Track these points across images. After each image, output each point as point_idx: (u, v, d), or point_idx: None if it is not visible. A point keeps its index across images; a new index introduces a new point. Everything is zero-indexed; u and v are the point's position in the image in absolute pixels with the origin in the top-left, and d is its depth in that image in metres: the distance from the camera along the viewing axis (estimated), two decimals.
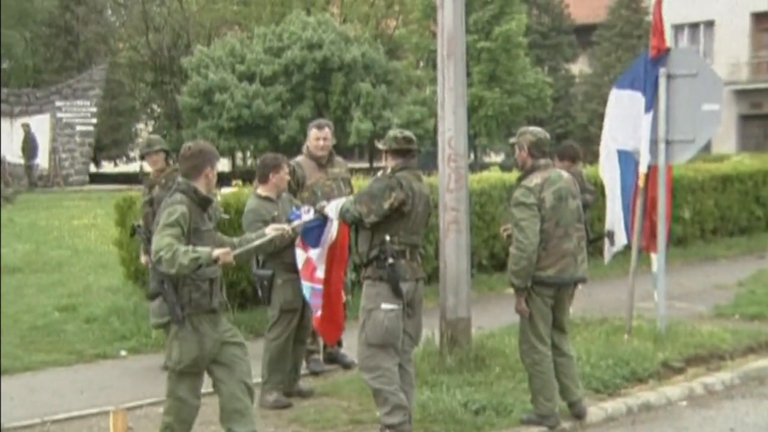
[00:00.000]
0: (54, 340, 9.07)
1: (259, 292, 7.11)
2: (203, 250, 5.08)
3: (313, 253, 6.64)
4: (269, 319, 7.18)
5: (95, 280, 12.00)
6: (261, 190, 7.11)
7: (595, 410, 6.93)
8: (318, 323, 6.80)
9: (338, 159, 8.14)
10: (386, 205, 5.88)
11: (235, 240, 5.88)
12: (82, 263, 13.52)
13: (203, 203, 5.38)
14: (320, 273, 6.66)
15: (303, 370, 7.59)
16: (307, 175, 7.82)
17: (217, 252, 5.09)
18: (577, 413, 6.67)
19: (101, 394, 7.43)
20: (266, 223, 6.49)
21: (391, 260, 5.91)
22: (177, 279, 5.23)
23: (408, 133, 6.34)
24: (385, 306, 5.95)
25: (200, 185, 5.38)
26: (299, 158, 8.05)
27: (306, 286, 6.72)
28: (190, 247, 5.07)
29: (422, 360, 7.47)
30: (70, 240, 16.23)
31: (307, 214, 6.45)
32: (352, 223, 6.08)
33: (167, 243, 5.05)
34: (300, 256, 6.73)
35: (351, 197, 6.10)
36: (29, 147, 29.51)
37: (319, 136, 7.87)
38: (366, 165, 35.39)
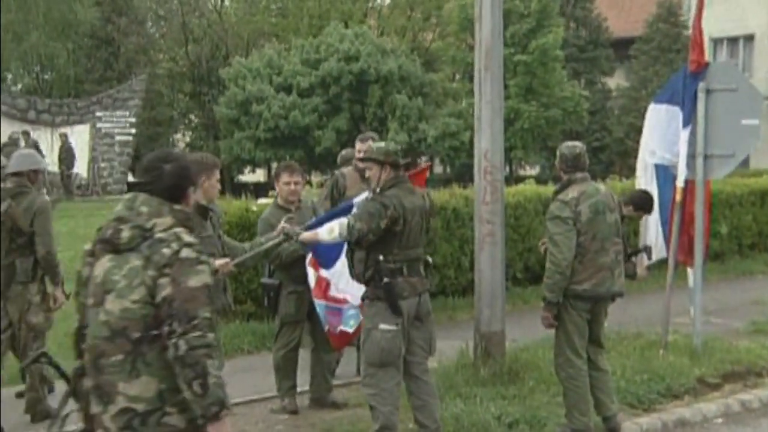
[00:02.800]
0: None
1: (266, 302, 7.21)
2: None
3: (325, 272, 6.68)
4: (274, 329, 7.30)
5: None
6: (278, 199, 7.28)
7: (630, 425, 6.89)
8: (331, 335, 6.84)
9: None
10: (383, 225, 5.77)
11: (247, 245, 6.27)
12: None
13: (201, 211, 5.75)
14: (335, 292, 6.68)
15: (335, 380, 7.62)
16: (348, 186, 7.88)
17: (218, 263, 5.49)
18: (612, 428, 6.63)
19: None
20: None
21: (386, 279, 5.82)
22: None
23: (399, 145, 6.33)
24: (382, 326, 5.84)
25: (198, 194, 5.64)
26: (346, 169, 8.13)
27: (319, 304, 6.77)
28: None
29: (456, 372, 7.48)
30: None
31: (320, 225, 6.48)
32: (356, 239, 5.90)
33: None
34: (311, 275, 6.80)
35: (353, 214, 6.02)
36: (66, 156, 29.78)
37: (360, 149, 7.91)
38: None
